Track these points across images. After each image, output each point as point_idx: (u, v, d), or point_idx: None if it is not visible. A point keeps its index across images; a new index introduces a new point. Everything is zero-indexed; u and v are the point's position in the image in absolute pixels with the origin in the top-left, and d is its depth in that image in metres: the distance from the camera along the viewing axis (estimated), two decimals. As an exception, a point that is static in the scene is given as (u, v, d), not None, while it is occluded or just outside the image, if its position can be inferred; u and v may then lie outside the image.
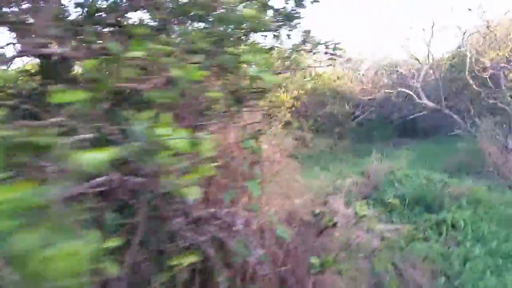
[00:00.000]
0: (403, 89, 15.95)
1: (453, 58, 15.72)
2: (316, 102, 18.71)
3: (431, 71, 16.08)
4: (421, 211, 7.25)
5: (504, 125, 11.91)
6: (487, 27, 13.24)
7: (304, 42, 3.49)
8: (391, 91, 16.85)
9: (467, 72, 13.27)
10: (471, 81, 13.12)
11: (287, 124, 14.06)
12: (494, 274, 5.02)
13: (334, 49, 3.38)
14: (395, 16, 33.82)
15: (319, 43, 3.23)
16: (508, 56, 12.69)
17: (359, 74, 20.68)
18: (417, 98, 15.12)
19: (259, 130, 2.97)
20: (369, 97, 17.85)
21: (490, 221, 6.70)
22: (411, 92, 15.36)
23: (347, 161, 13.77)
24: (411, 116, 16.15)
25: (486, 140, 11.52)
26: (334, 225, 3.30)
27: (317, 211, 3.53)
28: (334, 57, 3.47)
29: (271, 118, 4.05)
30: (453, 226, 6.48)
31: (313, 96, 18.75)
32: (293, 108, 17.58)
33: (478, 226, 6.43)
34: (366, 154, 12.43)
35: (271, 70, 1.93)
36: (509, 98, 11.91)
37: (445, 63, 16.03)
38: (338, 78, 20.19)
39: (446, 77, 15.40)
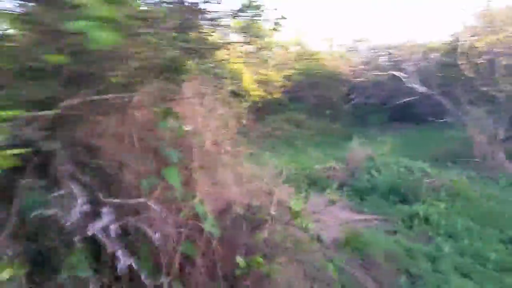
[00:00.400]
0: (397, 73, 15.38)
1: (449, 43, 15.09)
2: (308, 83, 18.14)
3: (426, 56, 15.53)
4: (395, 201, 6.84)
5: (496, 114, 11.42)
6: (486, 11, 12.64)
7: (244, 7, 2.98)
8: (385, 73, 16.29)
9: (461, 58, 12.69)
10: (464, 67, 12.55)
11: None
12: (460, 276, 4.65)
13: (276, 22, 2.92)
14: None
15: (258, 7, 2.74)
16: (506, 41, 12.08)
17: (355, 55, 20.13)
18: (409, 82, 14.60)
19: (168, 108, 2.52)
20: (363, 79, 17.35)
21: (466, 215, 6.30)
22: (403, 77, 14.83)
23: (334, 144, 13.28)
24: (404, 101, 15.59)
25: (475, 129, 11.07)
26: (267, 220, 2.91)
27: (254, 203, 3.12)
28: (276, 27, 3.00)
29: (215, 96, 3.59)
30: (426, 219, 6.07)
31: (305, 76, 18.17)
32: (282, 88, 17.07)
33: (452, 221, 6.03)
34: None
35: (114, 26, 1.46)
36: (502, 86, 11.36)
37: (440, 48, 15.46)
38: (332, 58, 19.61)
39: (441, 63, 14.83)
